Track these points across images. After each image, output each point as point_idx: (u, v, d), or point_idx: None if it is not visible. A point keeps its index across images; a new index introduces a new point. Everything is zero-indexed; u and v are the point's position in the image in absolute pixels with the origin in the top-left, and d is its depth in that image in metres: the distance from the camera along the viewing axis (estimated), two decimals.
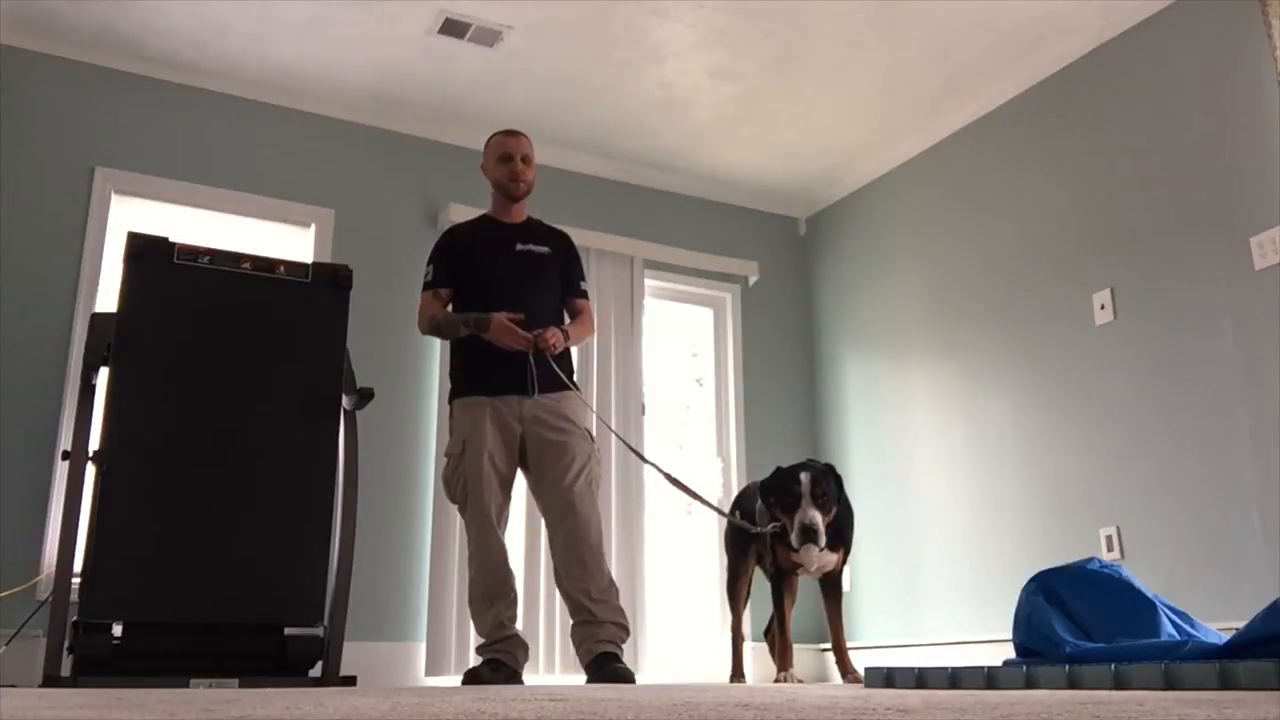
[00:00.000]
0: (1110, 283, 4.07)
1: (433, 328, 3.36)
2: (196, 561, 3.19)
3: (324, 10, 4.12)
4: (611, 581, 3.19)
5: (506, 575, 3.17)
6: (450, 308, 3.37)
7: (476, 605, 3.16)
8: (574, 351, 3.47)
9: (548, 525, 3.26)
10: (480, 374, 3.23)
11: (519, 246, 3.36)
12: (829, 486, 3.18)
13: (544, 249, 3.40)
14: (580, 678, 3.23)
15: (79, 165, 4.24)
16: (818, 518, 3.08)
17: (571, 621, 3.19)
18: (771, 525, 3.28)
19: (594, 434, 3.35)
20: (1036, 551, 4.02)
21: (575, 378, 3.38)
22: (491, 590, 3.13)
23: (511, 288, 3.28)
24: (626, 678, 3.00)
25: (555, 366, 3.20)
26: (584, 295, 3.47)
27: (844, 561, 3.36)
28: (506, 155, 3.41)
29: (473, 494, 3.16)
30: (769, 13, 4.12)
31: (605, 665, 3.03)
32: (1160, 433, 3.79)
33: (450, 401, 3.34)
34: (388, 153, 4.85)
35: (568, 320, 3.41)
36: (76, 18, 4.14)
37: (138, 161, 4.35)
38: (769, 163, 5.33)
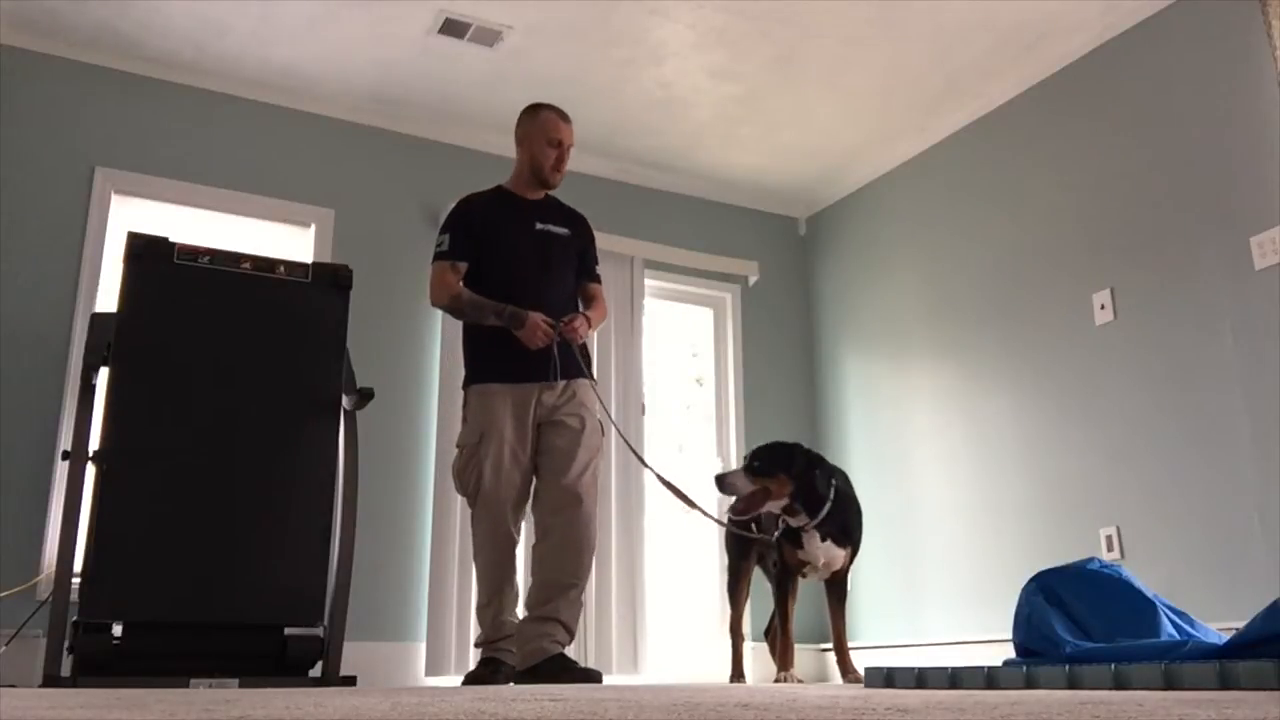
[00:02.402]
0: (1110, 283, 4.07)
1: (453, 307, 3.17)
2: (196, 561, 3.19)
3: (324, 10, 4.12)
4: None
5: (512, 573, 3.15)
6: (462, 282, 3.22)
7: (480, 600, 3.13)
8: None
9: (545, 513, 3.13)
10: (500, 361, 3.11)
11: (539, 225, 3.25)
12: (781, 459, 3.19)
13: (564, 230, 3.28)
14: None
15: (79, 165, 4.24)
16: (736, 474, 3.19)
17: (528, 613, 3.05)
18: (778, 531, 3.29)
19: (606, 425, 3.32)
20: (1036, 551, 4.02)
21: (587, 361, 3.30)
22: (495, 587, 3.10)
23: (531, 268, 3.18)
24: (597, 679, 2.92)
25: (578, 356, 3.16)
26: (598, 280, 3.39)
27: (851, 560, 3.35)
28: (557, 141, 3.27)
29: (489, 487, 3.07)
30: (769, 13, 4.12)
31: (571, 666, 2.95)
32: (1160, 433, 3.79)
33: (466, 387, 3.21)
34: (388, 153, 4.85)
35: (580, 305, 3.33)
36: (76, 18, 4.14)
37: (138, 161, 4.35)
38: (769, 163, 5.33)
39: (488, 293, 3.13)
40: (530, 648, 2.98)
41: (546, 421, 3.15)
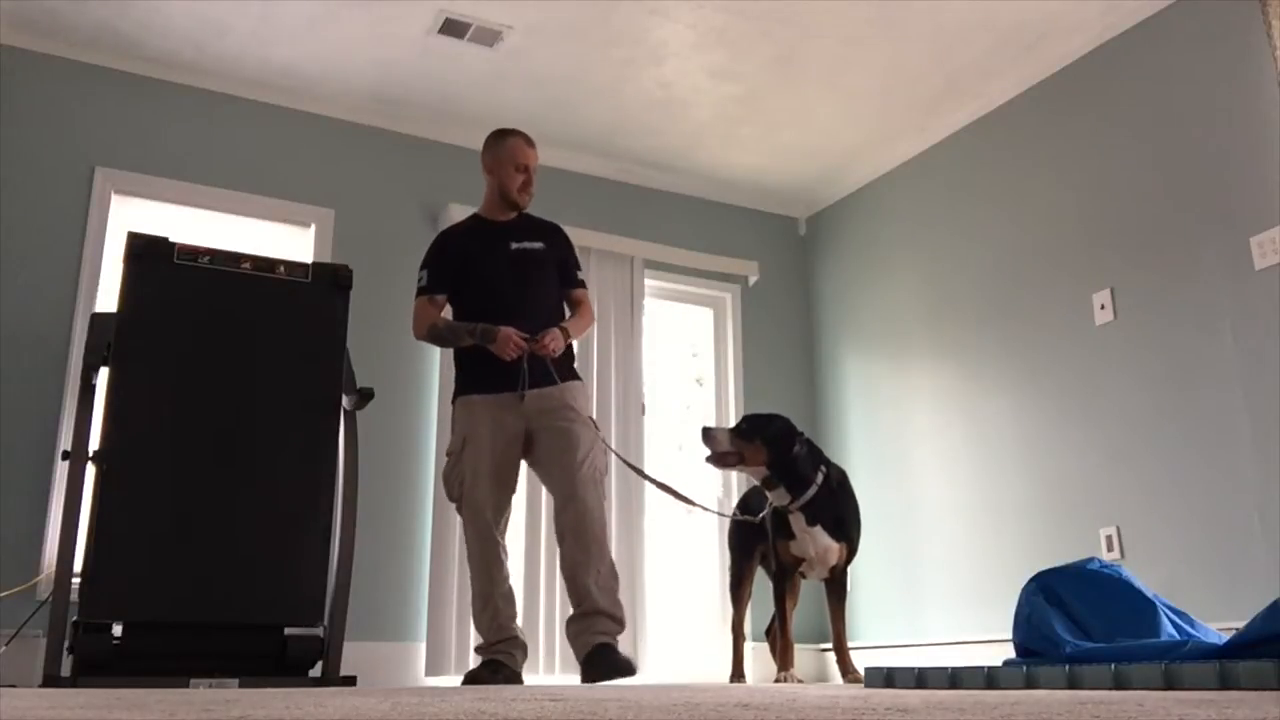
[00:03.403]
0: (1110, 283, 4.07)
1: (433, 336, 3.34)
2: (196, 561, 3.19)
3: (324, 10, 4.11)
4: (614, 570, 3.18)
5: (502, 575, 3.17)
6: (449, 312, 3.37)
7: (475, 605, 3.17)
8: (575, 345, 3.43)
9: (555, 512, 3.26)
10: (482, 374, 3.22)
11: (514, 245, 3.35)
12: (763, 427, 3.29)
13: (538, 245, 3.38)
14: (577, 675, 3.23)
15: (79, 165, 4.24)
16: (721, 429, 3.32)
17: (571, 612, 3.16)
18: (763, 513, 3.32)
19: (597, 422, 3.37)
20: (1036, 551, 4.02)
21: (575, 369, 3.39)
22: (487, 590, 3.14)
23: (510, 288, 3.28)
24: (626, 669, 2.99)
25: (550, 366, 3.21)
26: (581, 285, 3.46)
27: (848, 558, 3.34)
28: (524, 166, 3.39)
29: (470, 492, 3.16)
30: (769, 13, 4.12)
31: (606, 655, 3.02)
32: (1160, 433, 3.79)
33: (453, 401, 3.33)
34: (388, 153, 4.85)
35: (568, 313, 3.41)
36: (76, 18, 4.14)
37: (138, 161, 4.35)
38: (769, 163, 5.33)
39: (472, 317, 3.25)
40: (578, 643, 3.10)
41: (536, 426, 3.22)
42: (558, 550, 3.22)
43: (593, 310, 3.50)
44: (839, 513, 3.28)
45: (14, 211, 4.09)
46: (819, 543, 3.22)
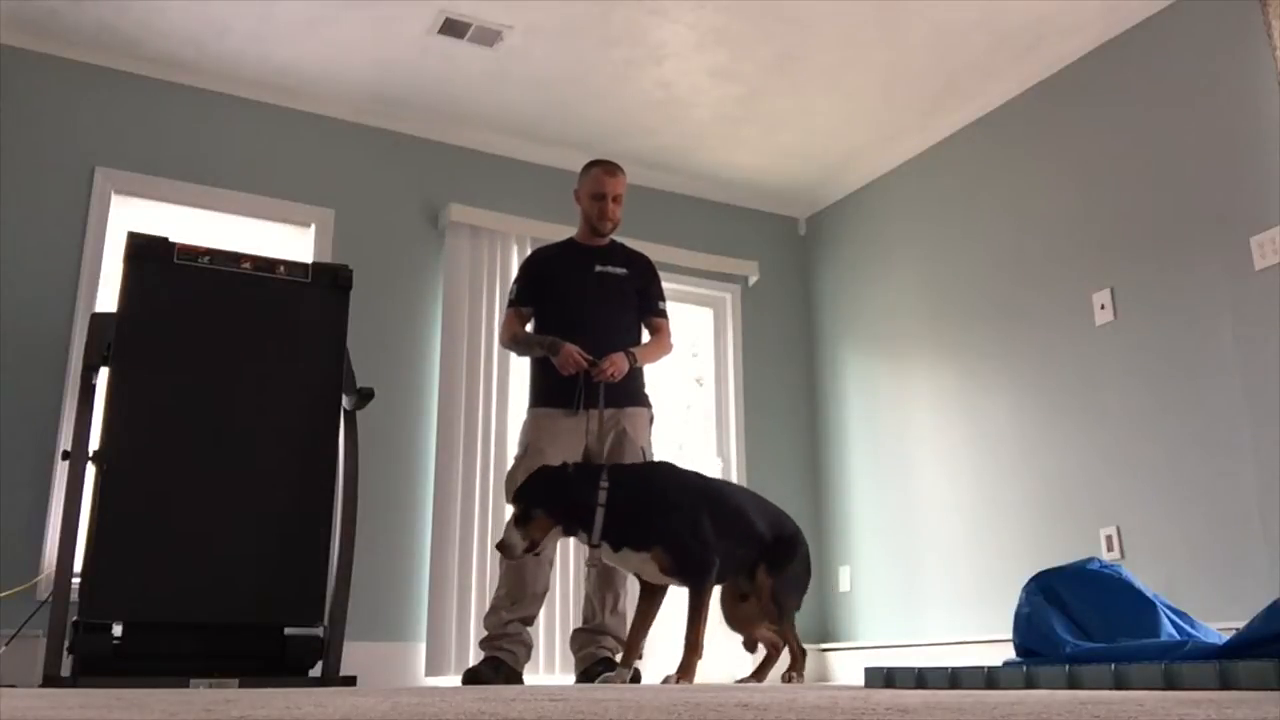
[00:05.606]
0: (1110, 283, 4.07)
1: (512, 343, 3.56)
2: (196, 561, 3.19)
3: (324, 10, 4.11)
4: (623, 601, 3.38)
5: (535, 578, 3.22)
6: (532, 324, 3.52)
7: (503, 603, 3.22)
8: (645, 367, 3.56)
9: None
10: (549, 389, 3.37)
11: (598, 268, 3.52)
12: (535, 494, 2.89)
13: (621, 270, 3.55)
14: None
15: (79, 165, 4.24)
16: (508, 531, 2.86)
17: (579, 625, 3.37)
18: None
19: (649, 453, 3.43)
20: (1036, 551, 4.02)
21: (644, 395, 3.52)
22: (517, 592, 3.21)
23: (588, 306, 3.44)
24: (636, 677, 3.16)
25: (601, 391, 3.30)
26: (660, 314, 3.63)
27: (674, 560, 2.91)
28: (601, 194, 3.51)
29: None
30: (769, 13, 4.12)
31: (609, 668, 3.20)
32: (1160, 433, 3.79)
33: (528, 410, 3.46)
34: (388, 153, 4.85)
35: (646, 337, 3.57)
36: (76, 18, 4.14)
37: (138, 161, 4.35)
38: (769, 163, 5.33)
39: (548, 331, 3.42)
40: (583, 654, 3.32)
41: (593, 446, 3.33)
42: (570, 555, 3.29)
43: (670, 339, 3.65)
44: (633, 524, 2.88)
45: (14, 211, 4.09)
46: (629, 561, 2.93)
